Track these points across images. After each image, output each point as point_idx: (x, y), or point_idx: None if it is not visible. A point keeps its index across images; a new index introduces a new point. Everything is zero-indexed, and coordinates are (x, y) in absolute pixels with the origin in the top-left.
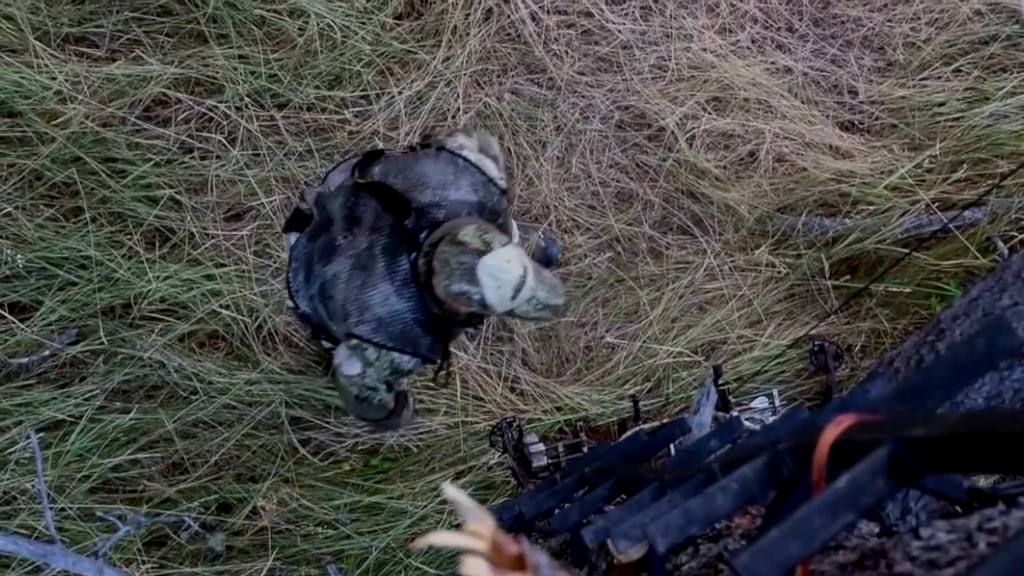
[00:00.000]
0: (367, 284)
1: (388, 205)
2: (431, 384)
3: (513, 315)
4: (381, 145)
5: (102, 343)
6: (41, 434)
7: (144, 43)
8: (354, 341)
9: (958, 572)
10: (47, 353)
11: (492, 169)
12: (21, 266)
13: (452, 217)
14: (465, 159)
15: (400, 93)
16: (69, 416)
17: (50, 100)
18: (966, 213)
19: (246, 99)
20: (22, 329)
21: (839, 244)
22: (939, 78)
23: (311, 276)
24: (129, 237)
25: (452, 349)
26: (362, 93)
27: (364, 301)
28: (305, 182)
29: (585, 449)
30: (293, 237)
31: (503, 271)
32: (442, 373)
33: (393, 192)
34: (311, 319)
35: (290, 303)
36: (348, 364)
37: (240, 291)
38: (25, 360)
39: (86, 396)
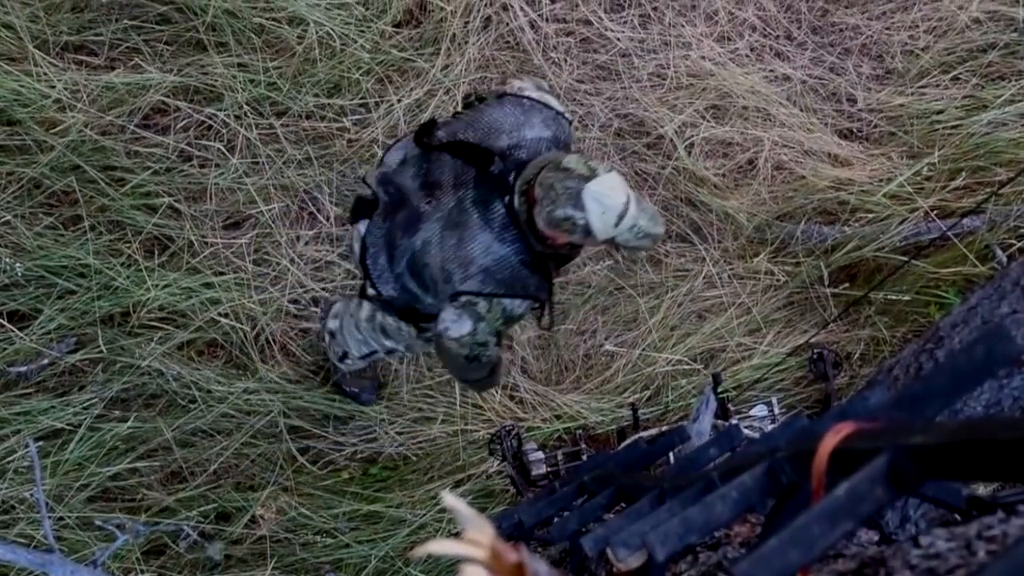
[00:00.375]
0: (465, 239)
1: (468, 159)
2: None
3: (613, 243)
4: (380, 152)
5: (101, 352)
6: (40, 443)
7: (143, 51)
8: (463, 299)
9: None
10: (46, 362)
11: (555, 103)
12: (20, 274)
13: (534, 156)
14: (529, 98)
15: (399, 101)
16: (68, 425)
17: (49, 108)
18: (965, 221)
19: (245, 107)
20: (21, 338)
21: (838, 252)
22: (937, 86)
23: (395, 254)
24: (128, 245)
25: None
26: (361, 101)
27: (465, 256)
28: (358, 174)
29: (584, 457)
30: (362, 226)
31: (608, 196)
32: (547, 314)
33: (470, 145)
34: (396, 302)
35: (371, 291)
36: (457, 325)
37: (239, 299)
38: (24, 369)
39: (85, 405)
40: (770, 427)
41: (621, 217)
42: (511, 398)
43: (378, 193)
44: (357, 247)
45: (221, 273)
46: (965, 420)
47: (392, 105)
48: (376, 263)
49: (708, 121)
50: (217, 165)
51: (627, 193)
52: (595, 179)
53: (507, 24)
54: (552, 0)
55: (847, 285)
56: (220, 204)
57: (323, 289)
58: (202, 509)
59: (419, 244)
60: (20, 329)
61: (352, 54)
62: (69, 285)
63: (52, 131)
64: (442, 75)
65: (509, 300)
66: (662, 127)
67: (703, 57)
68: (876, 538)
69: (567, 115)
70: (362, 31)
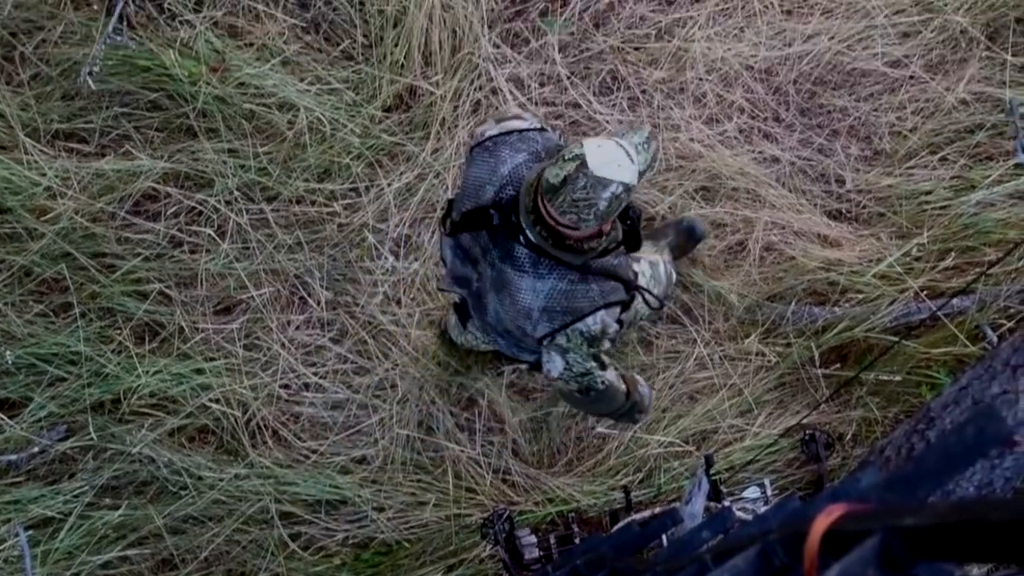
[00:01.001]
0: (513, 294)
1: (475, 226)
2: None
3: (643, 176)
4: (370, 237)
5: (91, 439)
6: (30, 532)
7: (134, 138)
8: (544, 342)
9: None
10: (36, 450)
11: (517, 123)
12: (10, 362)
13: (519, 184)
14: (491, 138)
15: (389, 185)
16: (58, 513)
17: (40, 196)
18: (955, 301)
19: (236, 192)
20: (11, 426)
21: (828, 333)
22: (925, 167)
23: (498, 332)
24: (119, 332)
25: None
26: (351, 185)
27: (521, 308)
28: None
29: (577, 541)
30: (471, 326)
31: (607, 154)
32: (647, 299)
33: (469, 213)
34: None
35: (523, 366)
36: (553, 366)
37: (230, 385)
38: (14, 457)
39: (75, 493)
40: (763, 509)
41: (628, 154)
42: (504, 481)
43: (460, 293)
44: (486, 339)
45: (212, 359)
46: (957, 501)
47: (382, 189)
48: (499, 344)
49: (698, 202)
50: (208, 251)
51: (611, 139)
52: (587, 157)
53: (496, 108)
54: (541, 84)
55: (838, 366)
56: (211, 290)
57: (314, 374)
58: None
59: (492, 318)
60: (10, 417)
61: (342, 139)
62: (59, 372)
63: (43, 218)
64: (432, 159)
65: (581, 323)
66: (653, 208)
67: (692, 139)
68: None
69: (534, 124)
70: (352, 116)
